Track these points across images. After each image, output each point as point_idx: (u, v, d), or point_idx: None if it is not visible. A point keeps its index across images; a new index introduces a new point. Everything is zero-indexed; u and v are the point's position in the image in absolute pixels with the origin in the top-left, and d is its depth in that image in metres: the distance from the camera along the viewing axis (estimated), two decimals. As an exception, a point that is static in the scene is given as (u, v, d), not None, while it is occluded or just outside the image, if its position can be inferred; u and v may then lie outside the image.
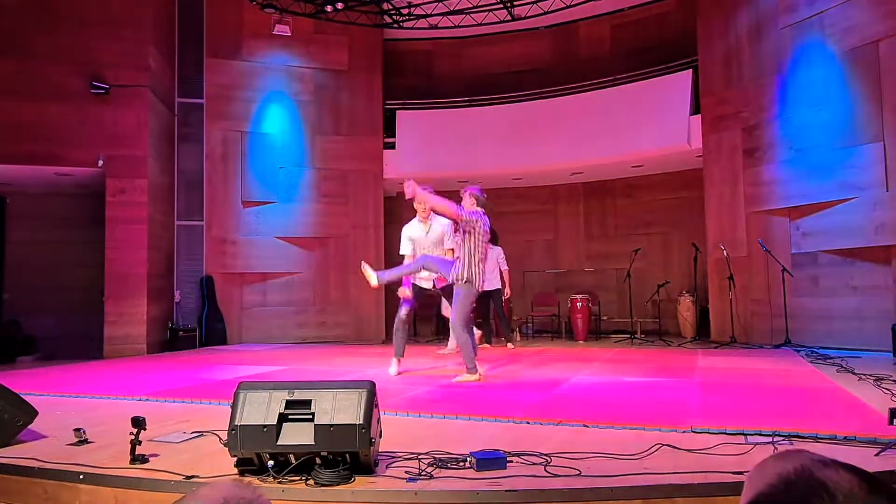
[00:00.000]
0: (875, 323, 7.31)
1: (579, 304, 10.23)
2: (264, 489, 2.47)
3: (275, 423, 2.66)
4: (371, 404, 2.70)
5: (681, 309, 10.26)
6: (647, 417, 3.74)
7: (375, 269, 5.66)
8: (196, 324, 9.88)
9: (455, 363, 6.59)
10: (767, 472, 0.73)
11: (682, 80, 10.01)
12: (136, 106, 8.95)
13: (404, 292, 5.97)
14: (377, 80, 11.40)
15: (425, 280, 6.04)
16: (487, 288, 8.85)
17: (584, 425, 3.63)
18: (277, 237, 10.63)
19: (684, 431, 3.40)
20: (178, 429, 3.66)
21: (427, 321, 12.34)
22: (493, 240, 9.16)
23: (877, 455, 2.83)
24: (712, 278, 9.54)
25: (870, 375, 5.22)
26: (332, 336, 10.75)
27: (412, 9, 10.80)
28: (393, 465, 2.83)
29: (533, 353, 8.25)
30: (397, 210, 12.42)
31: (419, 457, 2.87)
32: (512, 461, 2.82)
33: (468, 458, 2.80)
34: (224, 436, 2.78)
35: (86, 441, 3.33)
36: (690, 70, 9.94)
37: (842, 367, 5.92)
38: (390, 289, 11.27)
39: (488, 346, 8.86)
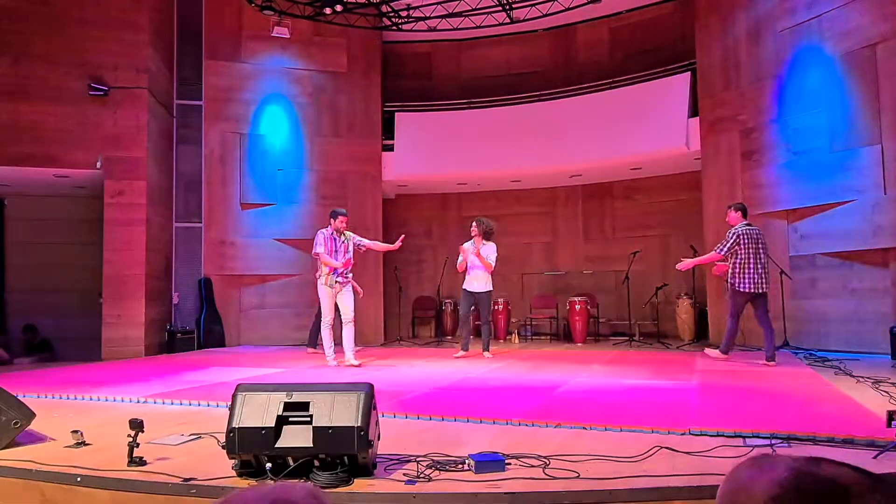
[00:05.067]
0: (873, 325, 7.33)
1: (578, 307, 10.23)
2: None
3: (273, 425, 2.65)
4: (369, 406, 2.70)
5: (679, 311, 10.27)
6: (646, 420, 3.74)
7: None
8: (194, 326, 9.86)
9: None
10: (757, 483, 0.70)
11: (680, 83, 10.03)
12: (135, 108, 8.94)
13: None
14: (376, 82, 11.41)
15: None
16: (477, 290, 7.96)
17: (583, 427, 3.63)
18: (276, 239, 10.62)
19: (683, 434, 3.40)
20: (175, 431, 3.65)
21: (426, 324, 12.35)
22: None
23: (875, 457, 2.83)
24: (711, 281, 9.54)
25: (868, 378, 5.22)
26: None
27: (411, 11, 10.80)
28: (391, 467, 2.83)
29: (531, 356, 8.24)
30: (396, 212, 12.43)
31: (417, 459, 2.87)
32: (510, 463, 2.82)
33: (467, 461, 2.80)
34: (222, 438, 2.77)
35: (83, 443, 3.32)
36: (689, 73, 9.95)
37: (840, 369, 5.93)
38: (388, 291, 11.32)
39: (464, 352, 7.95)
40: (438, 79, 12.56)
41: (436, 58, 12.65)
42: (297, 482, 0.78)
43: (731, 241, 6.64)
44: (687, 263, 7.15)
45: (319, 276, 7.12)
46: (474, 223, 8.07)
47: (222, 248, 10.36)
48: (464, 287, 8.07)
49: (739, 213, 6.83)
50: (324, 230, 7.17)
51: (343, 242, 7.13)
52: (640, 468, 2.75)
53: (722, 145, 9.37)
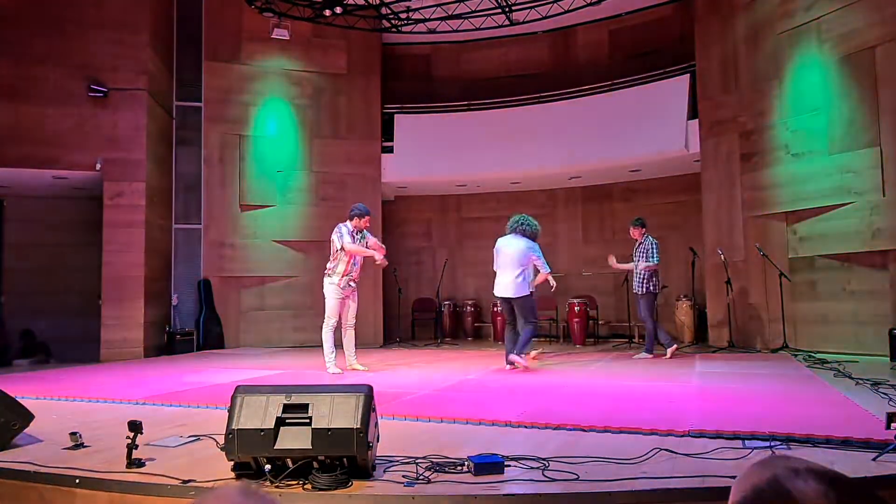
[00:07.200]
0: (872, 327, 7.32)
1: (577, 309, 10.22)
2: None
3: (272, 426, 2.65)
4: (368, 408, 2.70)
5: (678, 313, 10.26)
6: (645, 422, 3.74)
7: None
8: (193, 327, 9.86)
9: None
10: (746, 481, 0.73)
11: (679, 85, 10.03)
12: (135, 109, 8.95)
13: None
14: (375, 83, 11.41)
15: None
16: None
17: (582, 430, 3.62)
18: (275, 241, 10.62)
19: (682, 436, 3.40)
20: (174, 433, 3.65)
21: (426, 325, 12.34)
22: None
23: (874, 459, 2.83)
24: (710, 283, 9.54)
25: (867, 380, 5.22)
26: (330, 340, 10.71)
27: (411, 13, 10.81)
28: (390, 469, 2.83)
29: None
30: (395, 214, 12.43)
31: (417, 461, 2.87)
32: (510, 465, 2.82)
33: (466, 463, 2.80)
34: (221, 440, 2.77)
35: (82, 445, 3.32)
36: (688, 75, 9.95)
37: (839, 371, 5.92)
38: (387, 293, 11.31)
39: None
40: (438, 80, 12.57)
41: (435, 59, 12.66)
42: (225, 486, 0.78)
43: (657, 249, 7.69)
44: (616, 265, 8.11)
45: (330, 274, 6.76)
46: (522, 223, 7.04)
47: (222, 249, 10.35)
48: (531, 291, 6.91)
49: (644, 228, 7.92)
50: (345, 224, 6.83)
51: (360, 241, 6.87)
52: (640, 470, 2.75)
53: (721, 147, 9.37)
